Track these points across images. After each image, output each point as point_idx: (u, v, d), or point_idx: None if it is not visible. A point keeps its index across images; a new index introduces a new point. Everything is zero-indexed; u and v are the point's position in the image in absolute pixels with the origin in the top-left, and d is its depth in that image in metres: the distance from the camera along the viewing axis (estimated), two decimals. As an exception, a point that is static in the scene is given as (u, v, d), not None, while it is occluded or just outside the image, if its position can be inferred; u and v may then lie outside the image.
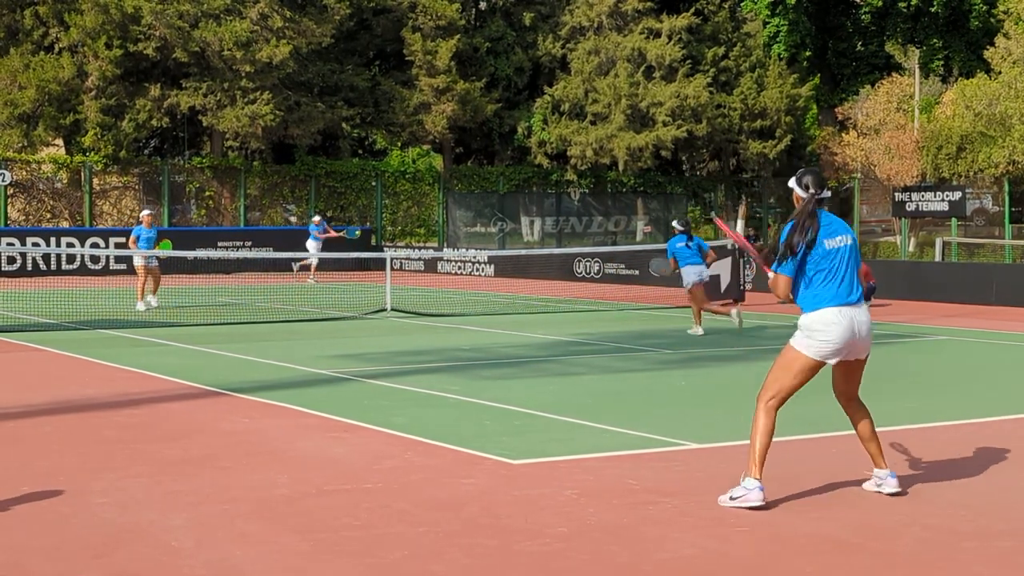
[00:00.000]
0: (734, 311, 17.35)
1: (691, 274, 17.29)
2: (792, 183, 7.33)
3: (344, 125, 42.46)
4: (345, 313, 21.17)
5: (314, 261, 31.42)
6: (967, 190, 34.57)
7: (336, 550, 5.98)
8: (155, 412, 10.32)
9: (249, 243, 37.25)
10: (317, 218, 33.57)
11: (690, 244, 17.43)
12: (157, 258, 22.40)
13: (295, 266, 33.23)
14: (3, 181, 36.23)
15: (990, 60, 36.51)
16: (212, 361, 14.03)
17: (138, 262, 21.78)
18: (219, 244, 36.50)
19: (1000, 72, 35.63)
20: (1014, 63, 35.18)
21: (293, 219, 42.05)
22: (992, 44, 36.83)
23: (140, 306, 21.28)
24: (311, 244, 32.30)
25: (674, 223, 18.08)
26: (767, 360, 14.42)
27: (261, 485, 7.41)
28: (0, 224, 36.26)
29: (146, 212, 22.38)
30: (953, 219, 34.32)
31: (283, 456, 8.35)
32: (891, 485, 7.22)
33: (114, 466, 7.99)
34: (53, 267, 34.43)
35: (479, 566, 5.72)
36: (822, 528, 6.43)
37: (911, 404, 10.89)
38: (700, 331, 17.21)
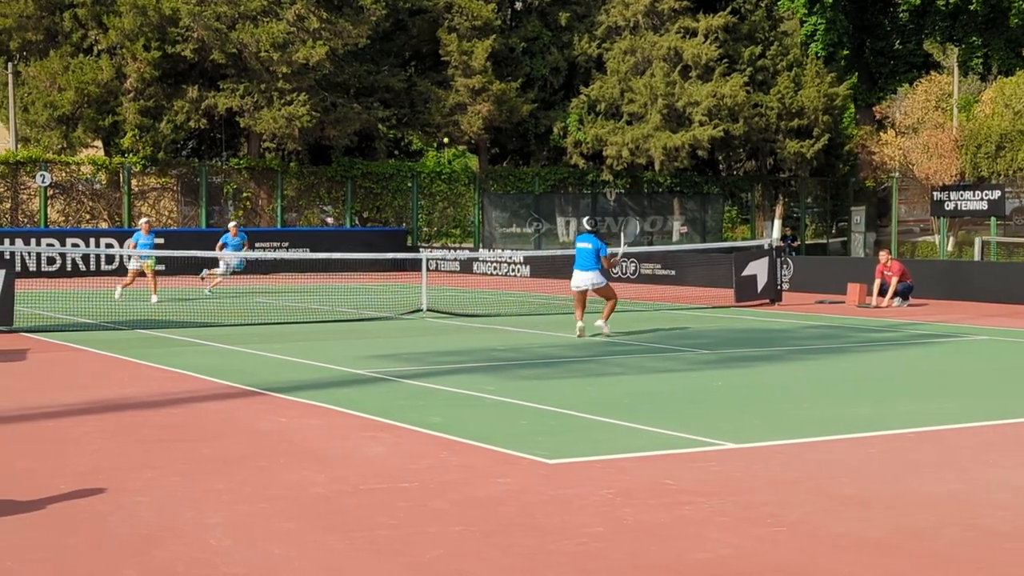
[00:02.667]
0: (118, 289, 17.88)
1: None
2: None
3: (380, 126, 42.55)
4: (381, 314, 21.22)
5: (222, 268, 26.81)
6: (1006, 189, 34.31)
7: (372, 549, 5.99)
8: (193, 412, 10.38)
9: (286, 244, 37.42)
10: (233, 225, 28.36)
11: None
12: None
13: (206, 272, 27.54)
14: (43, 182, 36.56)
15: (1030, 58, 36.19)
16: (249, 361, 14.10)
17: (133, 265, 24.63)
18: (256, 245, 36.67)
19: (1040, 70, 35.32)
20: (1054, 61, 34.87)
21: (330, 220, 42.20)
22: (1032, 42, 36.51)
23: (117, 293, 23.96)
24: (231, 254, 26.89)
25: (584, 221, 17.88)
26: (804, 360, 14.39)
27: (298, 484, 7.44)
28: (40, 225, 36.60)
29: (144, 220, 25.19)
30: (992, 218, 34.06)
31: (320, 455, 8.38)
32: None
33: (152, 465, 8.05)
34: (92, 268, 34.71)
35: (515, 566, 5.72)
36: (859, 529, 6.39)
37: (950, 404, 10.81)
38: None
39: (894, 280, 23.04)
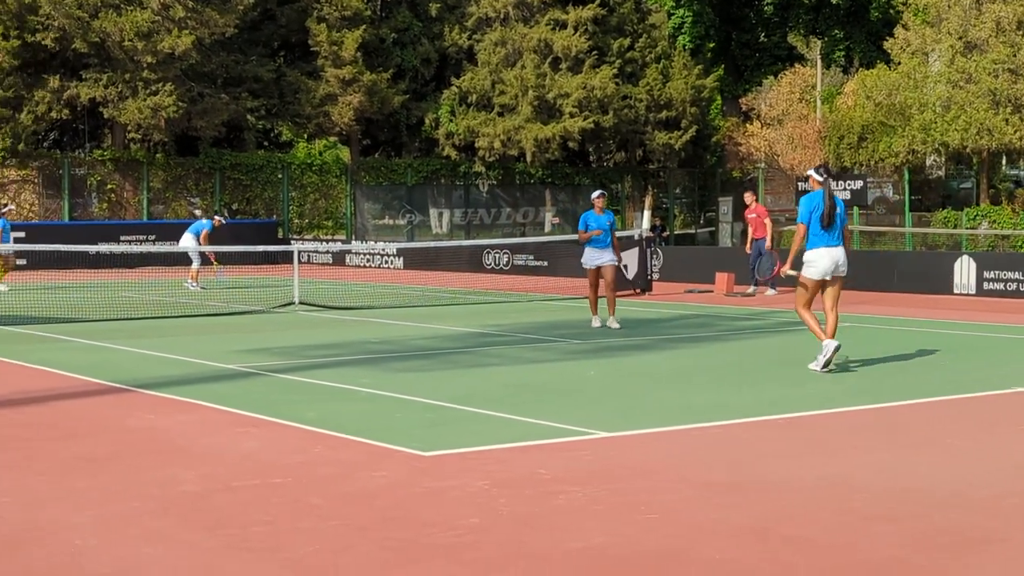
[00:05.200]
0: None
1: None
2: (811, 172, 12.26)
3: (249, 117, 41.99)
4: (252, 307, 20.94)
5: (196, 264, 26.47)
6: (868, 179, 35.17)
7: (245, 546, 5.89)
8: (57, 410, 10.11)
9: (153, 237, 36.70)
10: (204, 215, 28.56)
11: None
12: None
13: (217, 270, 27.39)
14: None
15: (890, 51, 37.15)
16: (116, 357, 13.79)
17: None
18: (122, 238, 35.92)
19: (899, 62, 36.27)
20: (913, 54, 35.83)
21: (198, 212, 41.46)
22: (891, 35, 37.48)
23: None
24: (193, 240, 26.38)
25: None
26: (675, 349, 14.58)
27: (168, 482, 7.28)
28: None
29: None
30: (855, 208, 34.88)
31: (190, 452, 8.22)
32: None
33: (16, 465, 7.81)
34: (-50, 263, 33.59)
35: (391, 559, 5.67)
36: (732, 515, 6.47)
37: (817, 389, 11.03)
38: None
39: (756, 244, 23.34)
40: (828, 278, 12.15)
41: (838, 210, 12.13)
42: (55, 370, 12.50)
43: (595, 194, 17.20)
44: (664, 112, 43.63)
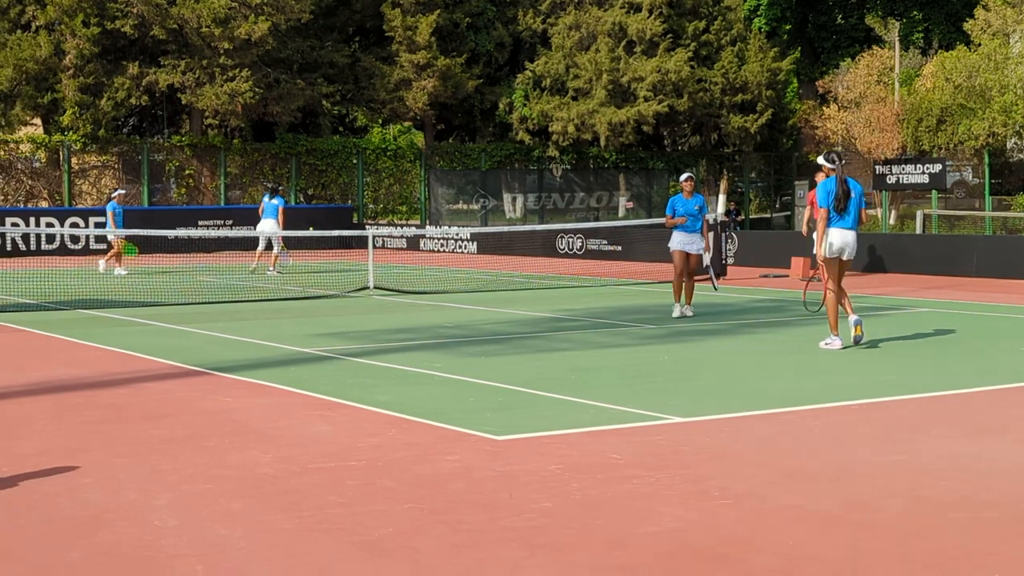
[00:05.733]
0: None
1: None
2: (822, 159, 12.76)
3: (324, 102, 42.30)
4: (327, 292, 21.13)
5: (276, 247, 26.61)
6: (947, 162, 34.64)
7: (321, 528, 5.97)
8: (137, 392, 10.29)
9: (230, 222, 37.13)
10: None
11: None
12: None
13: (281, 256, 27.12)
14: (-19, 161, 36.00)
15: (969, 32, 36.53)
16: (194, 340, 14.00)
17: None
18: (199, 223, 36.38)
19: (980, 44, 35.65)
20: (993, 35, 35.20)
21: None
22: (971, 16, 36.85)
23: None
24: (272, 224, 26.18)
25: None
26: (749, 334, 14.49)
27: (245, 463, 7.39)
28: (-21, 205, 36.04)
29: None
30: (934, 191, 34.41)
31: (267, 434, 8.34)
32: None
33: (97, 446, 7.97)
34: (32, 247, 34.29)
35: (464, 542, 5.72)
36: (806, 501, 6.44)
37: (892, 376, 10.93)
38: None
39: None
40: (840, 257, 12.72)
41: (852, 196, 12.60)
42: (135, 353, 12.72)
43: (683, 177, 16.47)
44: (739, 95, 43.28)
